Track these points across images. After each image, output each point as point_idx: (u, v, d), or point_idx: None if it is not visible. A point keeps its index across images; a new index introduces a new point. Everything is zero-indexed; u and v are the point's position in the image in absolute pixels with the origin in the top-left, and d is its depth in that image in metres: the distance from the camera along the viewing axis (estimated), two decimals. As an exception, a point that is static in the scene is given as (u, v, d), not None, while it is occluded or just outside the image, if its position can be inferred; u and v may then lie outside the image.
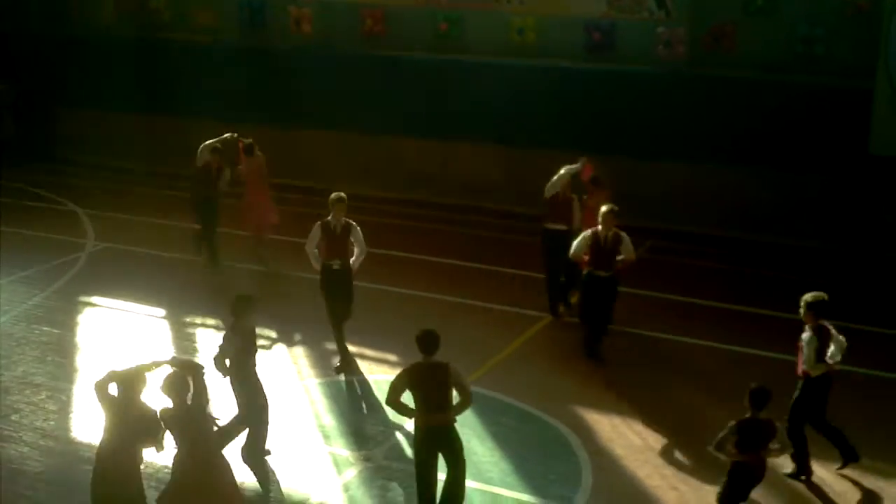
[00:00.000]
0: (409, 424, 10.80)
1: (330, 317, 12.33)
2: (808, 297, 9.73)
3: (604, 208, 12.24)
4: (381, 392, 11.74)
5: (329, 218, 12.04)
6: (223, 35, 21.94)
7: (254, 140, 15.87)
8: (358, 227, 12.10)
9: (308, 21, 21.10)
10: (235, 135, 16.06)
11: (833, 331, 9.67)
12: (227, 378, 9.85)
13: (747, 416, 8.41)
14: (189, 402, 7.94)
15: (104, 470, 7.88)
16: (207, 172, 15.66)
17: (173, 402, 7.93)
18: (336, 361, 12.41)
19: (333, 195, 12.11)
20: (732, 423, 8.42)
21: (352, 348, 12.72)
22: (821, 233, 17.13)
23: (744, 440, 8.35)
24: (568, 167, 13.53)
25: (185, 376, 7.99)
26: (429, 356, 8.52)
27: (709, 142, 17.77)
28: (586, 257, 12.25)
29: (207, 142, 15.71)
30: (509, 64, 19.21)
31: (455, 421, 8.59)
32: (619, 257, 12.26)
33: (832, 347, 9.60)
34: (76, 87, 23.61)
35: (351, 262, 12.11)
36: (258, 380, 10.00)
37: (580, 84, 18.63)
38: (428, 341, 8.52)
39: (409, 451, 10.36)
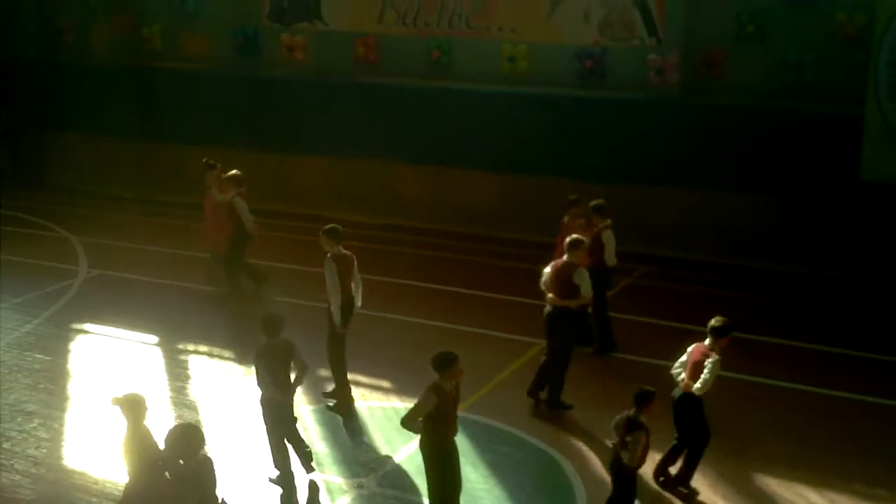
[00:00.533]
0: (403, 451, 10.82)
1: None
2: (718, 322, 9.79)
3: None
4: (374, 419, 11.74)
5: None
6: (217, 63, 22.02)
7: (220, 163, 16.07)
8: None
9: (301, 49, 21.19)
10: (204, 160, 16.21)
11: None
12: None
13: (630, 413, 8.97)
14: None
15: None
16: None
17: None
18: (328, 388, 12.38)
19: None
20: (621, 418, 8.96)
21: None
22: (811, 258, 17.18)
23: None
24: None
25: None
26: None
27: (700, 168, 17.85)
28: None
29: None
30: (501, 91, 19.31)
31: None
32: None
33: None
34: (70, 115, 23.66)
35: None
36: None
37: (572, 111, 18.72)
38: (441, 360, 8.72)
39: (401, 479, 10.34)
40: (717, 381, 12.68)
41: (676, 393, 9.86)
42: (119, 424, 7.91)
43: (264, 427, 9.93)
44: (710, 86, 18.03)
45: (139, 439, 7.77)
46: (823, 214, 17.15)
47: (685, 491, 9.99)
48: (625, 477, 9.09)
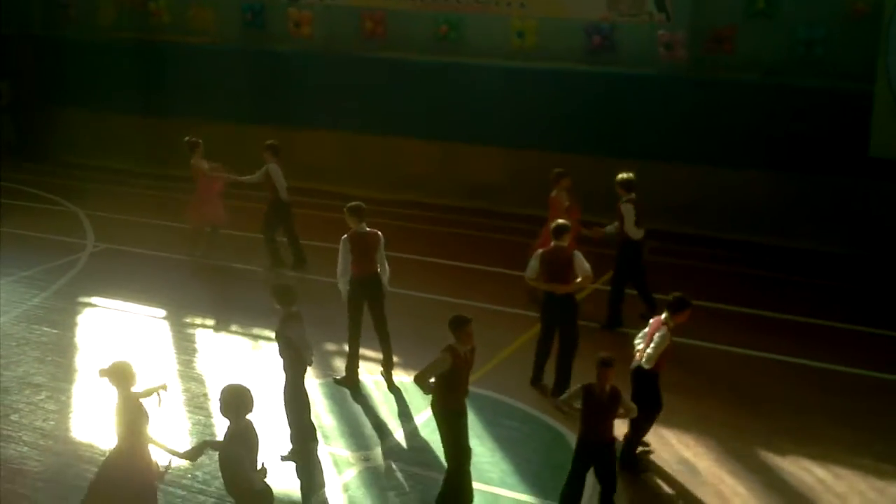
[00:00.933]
0: (410, 424, 10.85)
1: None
2: (674, 297, 9.79)
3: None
4: (381, 392, 11.76)
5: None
6: (223, 37, 21.96)
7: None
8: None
9: (308, 23, 21.10)
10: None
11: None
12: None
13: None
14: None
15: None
16: None
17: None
18: (335, 362, 12.41)
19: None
20: (579, 386, 8.92)
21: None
22: (819, 234, 17.14)
23: (587, 405, 8.81)
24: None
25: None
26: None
27: (708, 144, 17.78)
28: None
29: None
30: (509, 67, 19.23)
31: None
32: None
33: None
34: (76, 89, 23.62)
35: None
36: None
37: (580, 87, 18.64)
38: (454, 321, 8.99)
39: (407, 451, 10.37)
40: (723, 356, 12.82)
41: (633, 364, 9.86)
42: (110, 394, 8.02)
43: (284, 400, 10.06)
44: (719, 62, 17.92)
45: (129, 407, 7.85)
46: (832, 190, 17.08)
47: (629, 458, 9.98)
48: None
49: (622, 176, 13.38)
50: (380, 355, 12.18)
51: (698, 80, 17.89)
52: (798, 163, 17.21)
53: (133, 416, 7.88)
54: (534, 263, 11.42)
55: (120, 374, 7.89)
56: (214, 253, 16.32)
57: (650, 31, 18.15)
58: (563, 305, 11.42)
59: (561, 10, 18.75)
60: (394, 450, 10.46)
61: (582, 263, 11.20)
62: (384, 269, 11.83)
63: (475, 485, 9.49)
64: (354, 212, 11.73)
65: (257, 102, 21.32)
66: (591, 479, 9.05)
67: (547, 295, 11.50)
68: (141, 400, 8.08)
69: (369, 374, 12.22)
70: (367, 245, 11.69)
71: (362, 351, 12.17)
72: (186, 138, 16.31)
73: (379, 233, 11.82)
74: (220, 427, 10.82)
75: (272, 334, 13.30)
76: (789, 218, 17.40)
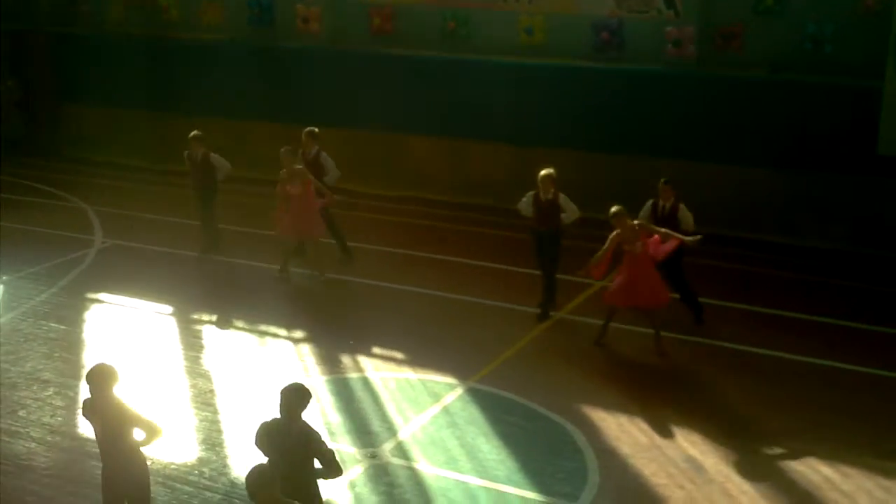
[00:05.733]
0: (416, 421, 10.86)
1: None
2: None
3: (542, 172, 13.58)
4: (386, 389, 11.78)
5: None
6: (231, 33, 21.97)
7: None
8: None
9: (316, 19, 21.09)
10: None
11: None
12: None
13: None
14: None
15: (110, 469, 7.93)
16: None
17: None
18: (345, 359, 12.44)
19: None
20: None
21: (357, 346, 12.78)
22: (826, 232, 17.08)
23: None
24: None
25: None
26: None
27: (716, 141, 17.72)
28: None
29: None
30: (517, 63, 19.18)
31: None
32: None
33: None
34: (85, 85, 23.65)
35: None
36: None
37: (588, 83, 18.57)
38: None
39: (414, 449, 10.38)
40: (728, 354, 12.79)
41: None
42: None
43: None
44: (727, 58, 17.85)
45: (105, 407, 7.82)
46: (839, 188, 17.02)
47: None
48: None
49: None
50: (386, 352, 12.19)
51: (706, 76, 17.83)
52: (805, 160, 17.12)
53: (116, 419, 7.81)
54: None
55: (102, 377, 7.82)
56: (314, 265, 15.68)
57: (658, 28, 18.10)
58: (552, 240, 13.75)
59: (569, 7, 18.73)
60: (401, 447, 10.47)
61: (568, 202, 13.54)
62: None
63: (481, 482, 9.50)
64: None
65: (265, 98, 21.30)
66: (591, 477, 9.04)
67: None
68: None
69: (375, 370, 12.24)
70: None
71: (368, 348, 12.17)
72: (192, 133, 16.22)
73: None
74: (227, 423, 10.88)
75: (278, 330, 13.44)
76: (795, 215, 17.32)
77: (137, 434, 7.87)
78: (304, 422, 7.45)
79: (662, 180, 13.46)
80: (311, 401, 7.52)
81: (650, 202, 13.45)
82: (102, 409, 7.82)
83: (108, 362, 8.07)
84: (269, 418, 7.52)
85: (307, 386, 7.54)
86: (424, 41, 20.11)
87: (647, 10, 18.14)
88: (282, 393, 7.42)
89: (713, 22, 17.82)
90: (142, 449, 7.95)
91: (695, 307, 13.65)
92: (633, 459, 10.23)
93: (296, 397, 7.40)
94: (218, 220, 16.35)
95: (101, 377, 7.82)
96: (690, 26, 17.82)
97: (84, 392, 11.45)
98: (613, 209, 12.43)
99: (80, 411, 11.02)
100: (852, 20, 16.85)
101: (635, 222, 12.57)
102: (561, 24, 18.92)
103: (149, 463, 8.21)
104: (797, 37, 17.26)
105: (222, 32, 22.09)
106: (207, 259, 16.11)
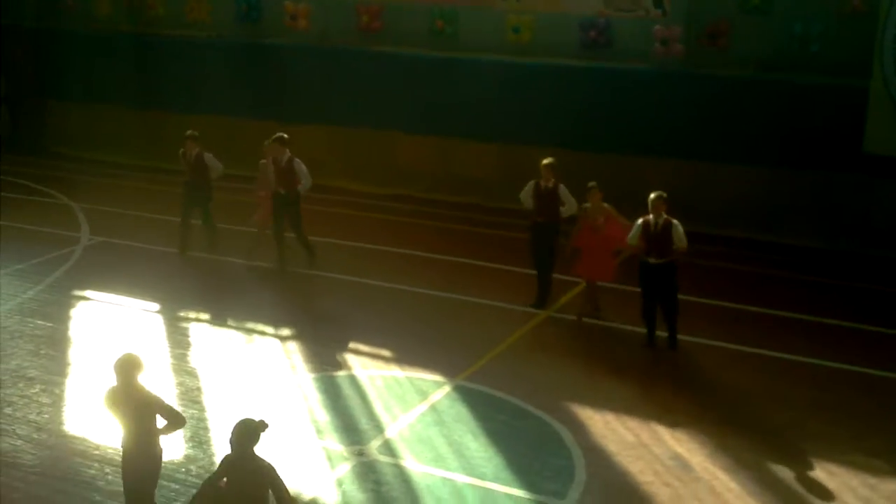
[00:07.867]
0: (404, 419, 10.85)
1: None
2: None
3: (652, 195, 12.66)
4: (374, 387, 11.77)
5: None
6: (218, 30, 21.91)
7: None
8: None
9: (304, 16, 21.07)
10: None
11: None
12: None
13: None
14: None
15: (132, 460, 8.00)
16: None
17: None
18: (333, 357, 12.42)
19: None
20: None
21: (344, 343, 12.76)
22: (812, 231, 17.15)
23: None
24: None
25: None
26: None
27: (703, 139, 17.79)
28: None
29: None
30: (505, 62, 19.21)
31: None
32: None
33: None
34: (71, 82, 23.57)
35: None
36: None
37: (575, 82, 18.63)
38: None
39: (402, 446, 10.38)
40: (715, 352, 12.85)
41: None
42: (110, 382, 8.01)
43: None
44: (714, 57, 17.92)
45: (130, 396, 7.86)
46: (826, 186, 17.10)
47: None
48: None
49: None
50: (374, 349, 12.18)
51: (694, 75, 17.90)
52: (792, 159, 17.22)
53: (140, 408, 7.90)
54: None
55: (130, 365, 7.91)
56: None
57: (646, 27, 18.15)
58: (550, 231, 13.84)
59: (557, 5, 18.78)
60: (388, 444, 10.46)
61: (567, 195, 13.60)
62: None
63: (468, 480, 9.50)
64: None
65: (252, 95, 21.27)
66: (578, 475, 9.05)
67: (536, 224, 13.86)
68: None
69: (363, 368, 12.23)
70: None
71: (357, 346, 12.17)
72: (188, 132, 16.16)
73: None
74: (214, 421, 10.86)
75: (266, 328, 13.41)
76: (782, 214, 17.41)
77: (159, 422, 7.99)
78: (258, 457, 7.27)
79: (654, 195, 12.66)
80: (263, 435, 7.26)
81: (641, 221, 12.68)
82: (129, 398, 7.85)
83: (133, 352, 8.12)
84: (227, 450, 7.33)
85: (258, 420, 7.29)
86: (412, 39, 20.12)
87: (635, 9, 18.20)
88: (232, 429, 7.21)
89: (700, 21, 17.89)
90: (161, 437, 8.06)
91: (672, 334, 12.96)
92: (619, 457, 10.25)
93: (245, 433, 7.18)
94: (212, 218, 16.34)
95: (129, 366, 7.91)
96: (678, 25, 17.90)
97: (71, 389, 11.51)
98: (590, 184, 13.33)
99: (66, 408, 11.09)
100: (838, 19, 16.95)
101: (605, 205, 13.32)
102: (549, 22, 18.95)
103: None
104: (784, 36, 17.35)
105: (209, 29, 22.04)
106: (207, 258, 16.11)
